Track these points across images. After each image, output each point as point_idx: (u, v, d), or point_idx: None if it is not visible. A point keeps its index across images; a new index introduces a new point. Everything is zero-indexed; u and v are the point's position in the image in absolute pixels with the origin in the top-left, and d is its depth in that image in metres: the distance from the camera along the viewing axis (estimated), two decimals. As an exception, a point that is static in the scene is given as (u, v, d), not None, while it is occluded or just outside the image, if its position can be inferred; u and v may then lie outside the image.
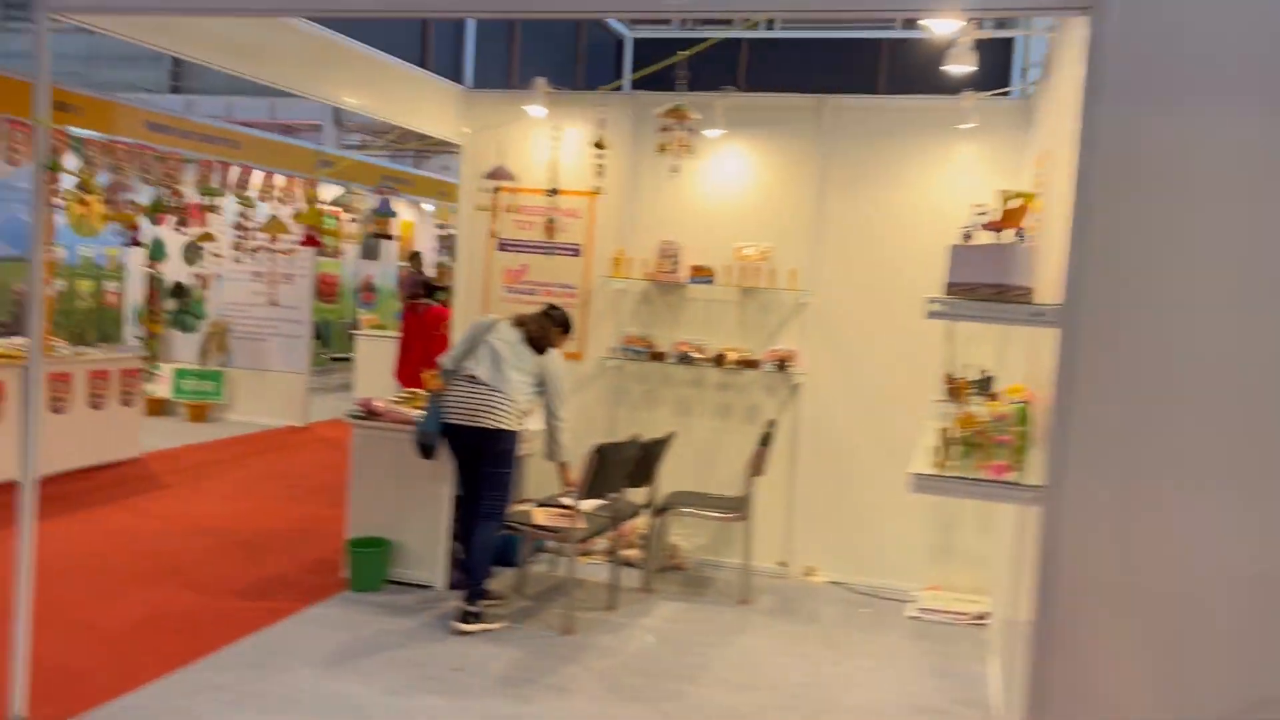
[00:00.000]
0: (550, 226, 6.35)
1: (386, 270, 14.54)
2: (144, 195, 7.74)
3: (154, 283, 10.24)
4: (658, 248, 6.17)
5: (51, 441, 7.40)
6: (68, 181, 6.96)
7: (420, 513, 5.46)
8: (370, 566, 5.42)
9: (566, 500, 5.12)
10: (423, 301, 7.21)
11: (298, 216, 7.41)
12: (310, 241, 6.99)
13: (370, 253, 13.89)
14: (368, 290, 14.32)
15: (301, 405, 10.16)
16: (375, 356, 12.28)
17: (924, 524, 5.89)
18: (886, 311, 5.89)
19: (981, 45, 4.78)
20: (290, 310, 10.05)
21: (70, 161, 7.04)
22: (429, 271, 14.23)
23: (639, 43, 10.13)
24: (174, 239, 10.25)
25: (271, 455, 8.99)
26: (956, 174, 5.79)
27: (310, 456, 9.07)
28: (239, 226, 8.05)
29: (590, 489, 5.01)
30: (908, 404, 5.90)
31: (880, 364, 5.96)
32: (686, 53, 5.94)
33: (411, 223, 14.40)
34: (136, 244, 8.34)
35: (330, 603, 5.21)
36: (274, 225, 7.98)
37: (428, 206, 14.52)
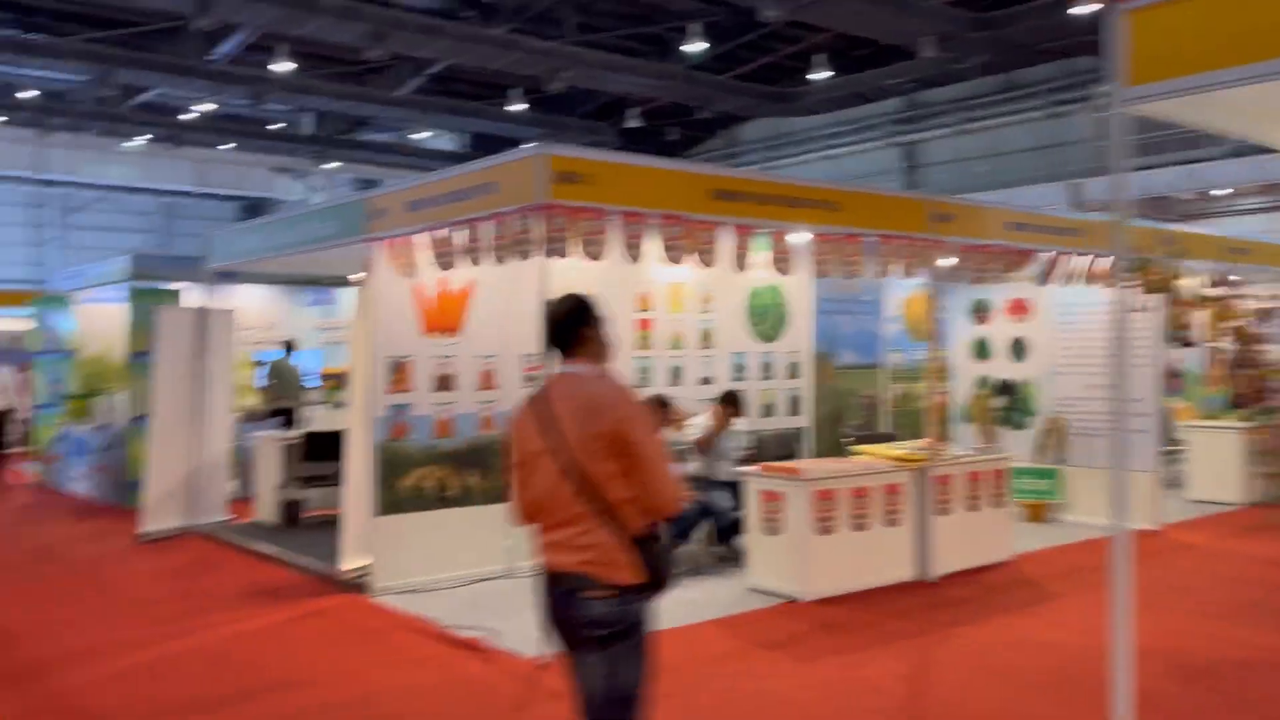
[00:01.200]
0: None
1: (1190, 352, 13.05)
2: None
3: (981, 381, 10.32)
4: None
5: (937, 543, 7.58)
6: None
7: None
8: None
9: None
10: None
11: None
12: None
13: (1176, 335, 12.60)
14: (1172, 376, 12.96)
15: (1152, 507, 9.24)
16: (1209, 450, 10.97)
17: None
18: None
19: None
20: (1135, 403, 9.24)
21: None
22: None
23: None
24: (1000, 336, 10.32)
25: (1145, 562, 8.14)
26: None
27: (1194, 566, 8.10)
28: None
29: None
30: None
31: None
32: None
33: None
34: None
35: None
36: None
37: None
